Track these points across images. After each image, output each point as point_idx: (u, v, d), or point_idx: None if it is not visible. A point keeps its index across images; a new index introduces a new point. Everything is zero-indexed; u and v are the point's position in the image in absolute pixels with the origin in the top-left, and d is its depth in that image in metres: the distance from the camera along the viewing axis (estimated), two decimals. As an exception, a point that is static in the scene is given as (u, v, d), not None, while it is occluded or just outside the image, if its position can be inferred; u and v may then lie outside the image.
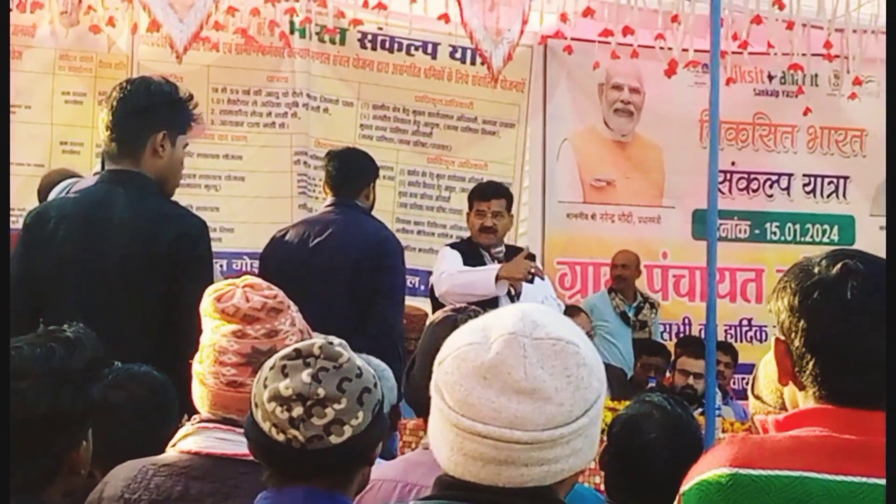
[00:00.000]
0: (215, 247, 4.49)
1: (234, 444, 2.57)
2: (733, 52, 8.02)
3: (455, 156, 9.06)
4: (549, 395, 1.89)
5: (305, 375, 2.25)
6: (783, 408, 2.20)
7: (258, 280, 2.82)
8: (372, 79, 8.85)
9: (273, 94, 8.64)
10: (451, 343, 1.98)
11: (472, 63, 8.72)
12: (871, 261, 2.08)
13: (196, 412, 2.77)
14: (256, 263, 7.19)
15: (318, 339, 2.33)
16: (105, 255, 3.95)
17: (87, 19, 7.93)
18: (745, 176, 9.57)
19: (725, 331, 9.15)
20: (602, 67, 8.73)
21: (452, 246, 6.89)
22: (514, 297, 6.35)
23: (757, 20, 7.63)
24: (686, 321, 9.47)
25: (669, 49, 7.87)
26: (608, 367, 7.88)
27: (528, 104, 9.20)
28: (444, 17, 7.59)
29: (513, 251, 6.81)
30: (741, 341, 9.23)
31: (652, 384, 7.81)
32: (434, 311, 5.33)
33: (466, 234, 6.96)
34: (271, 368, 2.29)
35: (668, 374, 8.05)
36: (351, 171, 6.11)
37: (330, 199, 6.13)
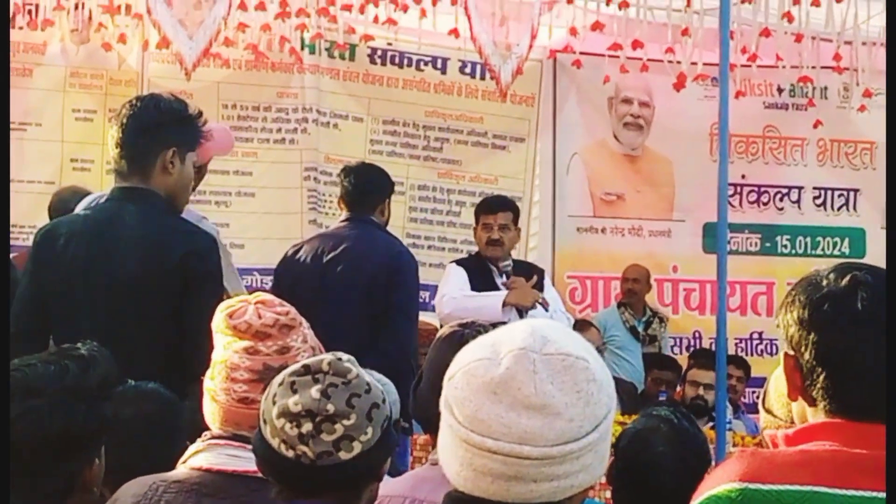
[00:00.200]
0: (225, 263, 4.49)
1: (245, 460, 2.56)
2: (742, 66, 8.02)
3: (465, 170, 9.07)
4: (558, 410, 1.89)
5: (315, 391, 2.25)
6: (794, 421, 2.19)
7: (270, 297, 2.82)
8: (382, 94, 8.87)
9: (283, 110, 8.66)
10: (460, 359, 1.98)
11: (482, 78, 8.73)
12: (879, 273, 2.07)
13: (208, 429, 2.77)
14: (267, 279, 7.20)
15: (326, 356, 2.33)
16: (115, 272, 3.95)
17: (97, 37, 7.95)
18: (756, 189, 9.56)
19: (736, 344, 9.14)
20: (612, 81, 8.73)
21: (459, 262, 6.89)
22: (522, 312, 6.35)
23: (766, 33, 7.63)
24: (696, 335, 9.45)
25: (678, 63, 7.87)
26: (618, 381, 7.94)
27: (537, 118, 9.22)
28: (454, 32, 7.59)
29: (521, 266, 6.81)
30: (752, 355, 9.21)
31: (663, 398, 7.81)
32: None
33: (476, 249, 6.96)
34: (280, 385, 2.29)
35: (678, 388, 8.03)
36: (366, 187, 6.10)
37: (345, 214, 6.13)
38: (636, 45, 7.68)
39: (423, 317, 6.90)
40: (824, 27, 7.87)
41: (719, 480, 1.99)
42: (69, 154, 8.37)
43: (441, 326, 6.07)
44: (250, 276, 8.18)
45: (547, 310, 6.42)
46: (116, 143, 4.07)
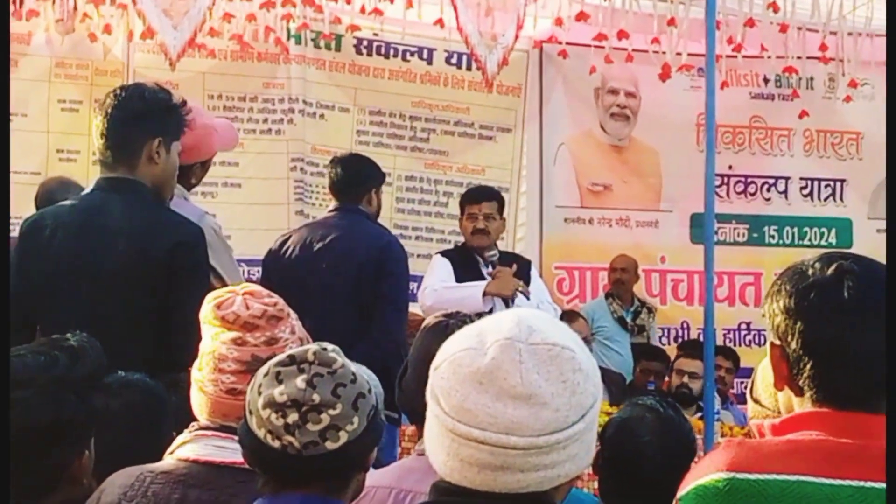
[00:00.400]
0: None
1: (233, 451, 2.56)
2: (728, 56, 8.02)
3: (452, 161, 9.07)
4: (545, 400, 1.89)
5: (300, 381, 2.24)
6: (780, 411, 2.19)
7: (258, 287, 2.81)
8: (368, 84, 8.86)
9: (269, 101, 8.64)
10: (446, 349, 1.98)
11: (469, 68, 8.72)
12: (864, 262, 2.07)
13: (194, 420, 2.76)
14: (253, 270, 7.18)
15: (311, 346, 2.33)
16: (101, 263, 3.93)
17: (82, 27, 7.92)
18: (743, 179, 9.58)
19: (724, 335, 9.16)
20: (598, 72, 8.72)
21: (445, 253, 6.89)
22: (508, 302, 6.35)
23: (750, 23, 7.63)
24: (684, 325, 9.47)
25: (663, 53, 7.87)
26: (607, 372, 7.96)
27: (524, 109, 9.22)
28: (440, 23, 7.59)
29: (508, 257, 6.81)
30: (740, 345, 9.24)
31: (651, 388, 7.82)
32: (429, 318, 5.33)
33: (464, 240, 6.96)
34: (265, 375, 2.29)
35: (667, 379, 8.05)
36: (354, 177, 6.11)
37: (333, 204, 6.16)
38: (622, 35, 7.67)
39: (411, 308, 6.90)
40: (810, 17, 7.87)
41: (706, 470, 1.99)
42: (55, 145, 8.35)
43: (427, 318, 6.08)
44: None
45: (528, 298, 6.41)
46: (101, 134, 4.05)
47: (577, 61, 8.55)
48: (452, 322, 2.89)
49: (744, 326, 9.44)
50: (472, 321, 2.12)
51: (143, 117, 4.03)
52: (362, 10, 7.75)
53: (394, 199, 8.81)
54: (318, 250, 5.89)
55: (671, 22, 7.68)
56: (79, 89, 8.34)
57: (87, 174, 7.31)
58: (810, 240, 9.59)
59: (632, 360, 8.66)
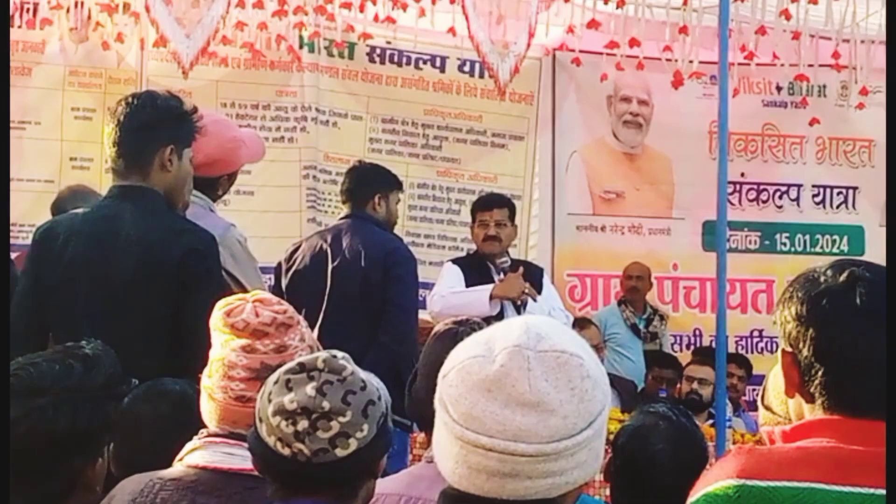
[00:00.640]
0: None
1: (242, 458, 2.56)
2: (740, 64, 8.01)
3: (464, 169, 9.08)
4: (553, 407, 1.89)
5: (310, 389, 2.24)
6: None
7: (268, 295, 2.82)
8: (381, 92, 8.88)
9: (282, 109, 8.66)
10: (455, 356, 1.98)
11: (481, 76, 8.73)
12: (877, 269, 2.07)
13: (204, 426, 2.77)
14: (266, 278, 7.18)
15: (321, 353, 2.33)
16: (114, 271, 3.93)
17: (96, 35, 7.96)
18: (755, 187, 9.57)
19: (736, 342, 9.15)
20: (610, 79, 8.73)
21: (456, 261, 6.90)
22: (520, 308, 6.36)
23: (762, 31, 7.62)
24: (697, 333, 9.46)
25: (675, 61, 7.87)
26: (619, 379, 7.96)
27: (536, 116, 9.23)
28: (452, 31, 7.60)
29: (519, 265, 6.81)
30: (752, 352, 9.22)
31: (663, 396, 7.81)
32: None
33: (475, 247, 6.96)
34: (275, 383, 2.29)
35: (678, 386, 8.04)
36: (357, 183, 6.15)
37: (344, 211, 6.22)
38: (634, 43, 7.68)
39: (422, 315, 6.91)
40: (823, 25, 7.86)
41: (716, 477, 1.99)
42: (68, 153, 8.37)
43: (437, 325, 6.08)
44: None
45: (535, 301, 6.41)
46: (113, 142, 4.05)
47: (589, 69, 8.55)
48: (462, 329, 2.89)
49: (756, 334, 9.42)
50: (481, 328, 2.11)
51: (154, 125, 4.04)
52: (375, 19, 7.76)
53: (406, 206, 8.80)
54: (327, 258, 5.91)
55: (683, 30, 7.69)
56: (92, 97, 8.37)
57: (101, 182, 7.33)
58: (822, 247, 9.59)
59: (644, 368, 8.65)
